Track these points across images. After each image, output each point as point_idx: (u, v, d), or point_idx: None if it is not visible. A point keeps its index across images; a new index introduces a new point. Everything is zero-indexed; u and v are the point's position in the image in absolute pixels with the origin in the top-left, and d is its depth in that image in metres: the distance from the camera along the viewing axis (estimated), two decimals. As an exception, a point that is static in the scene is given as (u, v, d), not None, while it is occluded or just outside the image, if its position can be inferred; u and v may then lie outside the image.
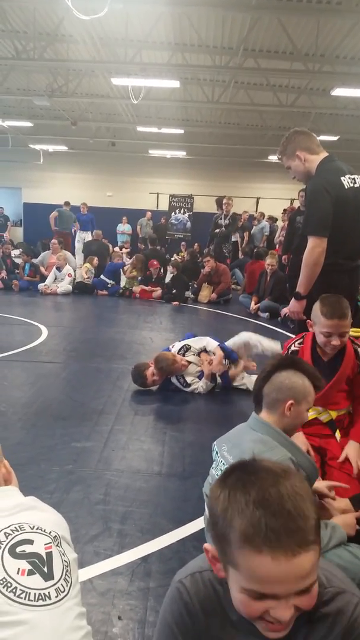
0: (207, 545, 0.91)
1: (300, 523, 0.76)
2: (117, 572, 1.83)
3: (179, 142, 15.32)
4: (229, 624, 0.95)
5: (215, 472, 1.80)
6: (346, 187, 2.64)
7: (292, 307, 2.84)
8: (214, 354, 4.04)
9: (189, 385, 4.01)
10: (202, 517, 2.10)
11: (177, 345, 4.23)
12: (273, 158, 15.71)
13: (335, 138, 12.65)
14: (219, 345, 4.13)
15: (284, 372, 1.70)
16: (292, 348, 2.36)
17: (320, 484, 1.78)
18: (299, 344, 2.36)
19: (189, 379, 4.02)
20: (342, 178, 2.66)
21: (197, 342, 4.22)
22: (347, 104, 11.23)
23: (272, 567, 0.76)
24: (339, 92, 9.26)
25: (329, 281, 2.66)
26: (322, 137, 12.48)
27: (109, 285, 9.08)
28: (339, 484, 1.83)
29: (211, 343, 4.18)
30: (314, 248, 2.62)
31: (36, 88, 11.68)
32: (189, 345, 4.18)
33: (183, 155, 16.49)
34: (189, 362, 4.05)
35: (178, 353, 4.09)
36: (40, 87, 11.53)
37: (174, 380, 4.02)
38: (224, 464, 1.72)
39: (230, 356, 4.11)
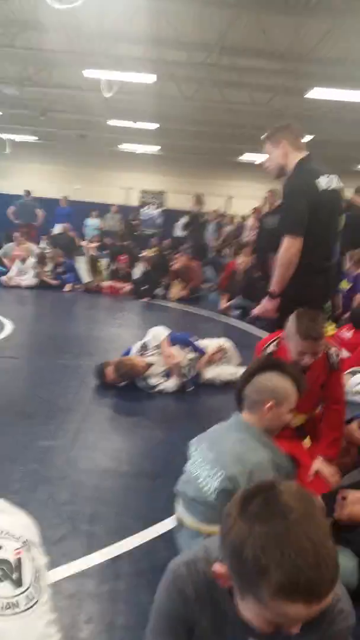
0: (218, 568, 0.89)
1: (332, 571, 0.79)
2: (86, 574, 1.78)
3: (152, 137, 15.23)
4: (221, 616, 0.96)
5: (192, 468, 1.78)
6: (321, 189, 2.65)
7: (265, 306, 2.83)
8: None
9: (153, 387, 3.87)
10: (171, 517, 2.08)
11: (136, 345, 4.13)
12: (246, 157, 15.81)
13: (309, 138, 12.79)
14: (168, 335, 4.06)
15: (266, 374, 1.69)
16: (269, 349, 2.35)
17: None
18: (275, 344, 2.35)
19: (153, 381, 3.88)
20: (318, 180, 2.66)
21: (152, 339, 4.10)
22: (321, 105, 11.37)
23: (303, 611, 0.79)
24: (314, 93, 9.34)
25: (304, 281, 2.68)
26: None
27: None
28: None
29: (158, 334, 4.08)
30: (289, 247, 2.61)
31: (5, 76, 11.38)
32: (145, 344, 4.08)
33: (156, 152, 16.40)
34: (150, 364, 3.91)
35: (139, 354, 4.01)
36: (10, 76, 11.24)
37: (138, 383, 3.88)
38: (202, 461, 1.70)
39: (195, 347, 4.07)
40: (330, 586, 0.79)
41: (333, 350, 2.32)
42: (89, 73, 9.52)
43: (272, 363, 1.74)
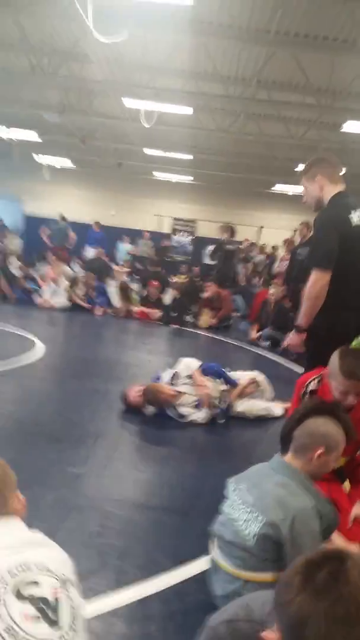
0: (269, 636, 0.84)
1: None
2: (115, 614, 1.72)
3: (186, 167, 15.46)
4: None
5: (229, 510, 1.72)
6: (354, 224, 2.62)
7: (292, 340, 2.80)
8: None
9: (184, 416, 3.80)
10: (203, 557, 2.00)
11: (167, 372, 4.10)
12: (278, 187, 15.88)
13: (342, 171, 12.81)
14: (201, 367, 4.03)
15: (319, 418, 1.63)
16: (311, 387, 2.28)
17: (331, 546, 1.69)
18: (317, 382, 2.28)
19: (183, 410, 3.81)
20: (351, 215, 2.63)
21: (184, 369, 4.07)
22: (355, 139, 11.39)
23: None
24: (349, 126, 9.37)
25: (336, 319, 2.63)
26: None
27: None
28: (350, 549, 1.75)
29: (191, 365, 4.06)
30: (317, 281, 2.58)
31: (47, 103, 11.78)
32: (177, 374, 4.03)
33: (190, 181, 16.63)
34: (180, 393, 3.86)
35: (169, 382, 3.96)
36: (52, 103, 11.63)
37: (169, 412, 3.82)
38: (242, 504, 1.63)
39: (227, 379, 4.02)
40: None
41: None
42: (129, 102, 9.77)
43: (327, 407, 1.68)
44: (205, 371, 4.04)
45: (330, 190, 2.73)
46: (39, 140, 13.65)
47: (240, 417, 3.95)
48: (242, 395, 4.02)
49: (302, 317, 2.69)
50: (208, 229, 16.60)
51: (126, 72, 9.51)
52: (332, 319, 2.62)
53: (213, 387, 3.93)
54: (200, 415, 3.82)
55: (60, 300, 8.73)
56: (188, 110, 9.67)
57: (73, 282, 9.06)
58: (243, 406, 3.98)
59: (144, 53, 8.59)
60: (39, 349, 5.54)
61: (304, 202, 2.93)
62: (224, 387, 3.98)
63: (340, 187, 2.76)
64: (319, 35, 7.25)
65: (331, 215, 2.65)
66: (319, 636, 0.74)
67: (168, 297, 9.15)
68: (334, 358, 2.14)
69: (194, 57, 8.63)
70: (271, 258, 12.43)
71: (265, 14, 6.88)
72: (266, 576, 1.55)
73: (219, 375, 4.05)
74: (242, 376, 4.14)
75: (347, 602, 0.75)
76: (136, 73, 9.37)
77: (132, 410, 3.85)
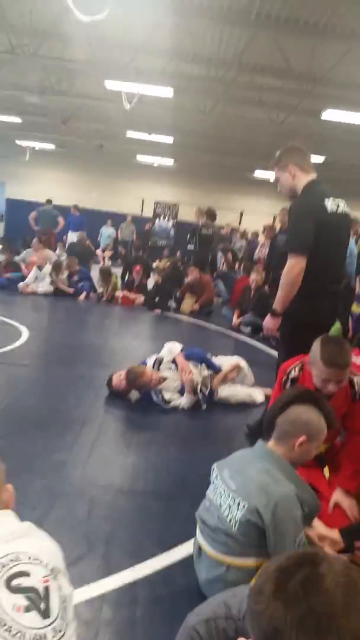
0: None
1: None
2: (102, 599, 1.76)
3: (167, 150, 15.33)
4: None
5: (213, 496, 1.76)
6: (329, 210, 2.69)
7: (267, 324, 2.88)
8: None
9: (168, 402, 3.84)
10: (189, 542, 2.05)
11: (152, 358, 4.12)
12: (259, 174, 15.86)
13: (321, 159, 12.83)
14: (182, 352, 4.05)
15: (302, 406, 1.66)
16: (292, 374, 2.32)
17: (312, 533, 1.75)
18: (299, 369, 2.32)
19: (167, 395, 3.86)
20: (326, 201, 2.69)
21: (167, 354, 4.09)
22: (334, 127, 11.40)
23: None
24: (328, 114, 9.38)
25: (311, 304, 2.71)
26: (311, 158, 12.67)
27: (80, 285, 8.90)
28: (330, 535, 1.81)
29: (173, 349, 4.08)
30: (294, 266, 2.65)
31: (28, 85, 11.53)
32: (161, 358, 4.07)
33: (170, 164, 16.50)
34: (164, 378, 3.90)
35: (153, 367, 3.99)
36: (32, 84, 11.38)
37: (153, 396, 3.87)
38: (225, 490, 1.67)
39: (209, 364, 4.05)
40: None
41: (357, 379, 2.28)
42: (110, 84, 9.62)
43: (309, 396, 1.71)
44: (188, 356, 4.06)
45: (303, 179, 2.79)
46: (20, 121, 13.39)
47: (223, 403, 3.99)
48: (224, 380, 4.05)
49: (278, 302, 2.77)
50: (189, 213, 16.55)
51: (107, 52, 9.34)
52: (307, 305, 2.70)
53: (196, 372, 3.95)
54: (183, 401, 3.86)
55: (43, 285, 8.64)
56: (168, 92, 9.56)
57: (55, 266, 8.97)
58: (225, 392, 4.01)
59: (125, 32, 8.44)
60: (23, 335, 5.50)
61: (279, 191, 2.99)
62: (206, 372, 4.00)
63: (312, 175, 2.83)
64: (300, 19, 7.20)
65: (306, 203, 2.72)
66: None
67: (151, 282, 9.13)
68: (315, 346, 2.17)
69: (175, 37, 8.50)
70: (252, 244, 12.45)
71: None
72: (249, 562, 1.60)
73: (201, 360, 4.08)
74: (225, 361, 4.17)
75: (317, 613, 0.73)
76: (117, 52, 9.21)
77: (117, 396, 3.88)
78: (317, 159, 12.64)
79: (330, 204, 2.69)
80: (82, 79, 10.91)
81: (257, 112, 11.46)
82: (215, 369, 4.07)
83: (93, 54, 9.01)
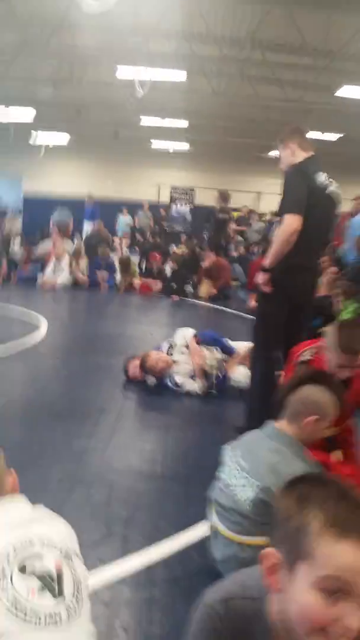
0: (268, 551, 0.87)
1: None
2: (121, 581, 1.80)
3: (182, 135, 15.18)
4: None
5: (226, 477, 1.78)
6: (318, 182, 2.79)
7: (257, 278, 2.94)
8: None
9: (179, 386, 3.85)
10: (204, 522, 2.08)
11: (166, 344, 4.14)
12: (274, 153, 15.61)
13: (336, 137, 12.57)
14: (195, 336, 4.05)
15: (313, 386, 1.67)
16: (304, 357, 2.31)
17: None
18: (311, 353, 2.31)
19: (179, 379, 3.86)
20: (317, 175, 2.81)
21: (179, 338, 4.11)
22: (351, 104, 11.12)
23: (355, 554, 0.75)
24: (344, 90, 9.16)
25: (295, 279, 2.81)
26: (325, 136, 12.41)
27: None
28: None
29: (187, 334, 4.09)
30: (289, 225, 2.69)
31: (41, 77, 11.51)
32: (174, 342, 4.08)
33: (185, 149, 16.36)
34: (173, 361, 3.91)
35: (167, 352, 4.00)
36: (45, 75, 11.36)
37: (167, 382, 3.88)
38: (238, 470, 1.69)
39: (224, 346, 4.01)
40: None
41: None
42: (122, 71, 9.55)
43: (320, 376, 1.72)
44: (202, 340, 4.06)
45: (301, 155, 2.91)
46: (34, 116, 13.39)
47: (236, 386, 3.90)
48: (240, 363, 3.99)
49: (269, 257, 2.83)
50: (206, 197, 16.42)
51: (118, 38, 9.26)
52: (292, 279, 2.78)
53: (210, 356, 3.93)
54: (195, 386, 3.83)
55: (62, 277, 8.70)
56: (182, 75, 9.45)
57: (75, 253, 9.06)
58: (240, 374, 3.91)
59: (135, 16, 8.33)
60: (43, 328, 5.58)
61: (281, 168, 3.08)
62: (220, 355, 3.96)
63: (310, 153, 2.94)
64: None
65: (300, 170, 2.84)
66: (300, 508, 0.81)
67: (168, 269, 9.13)
68: (331, 331, 2.17)
69: (186, 18, 8.37)
70: (270, 225, 12.30)
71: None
72: (263, 540, 1.61)
73: (215, 342, 4.04)
74: (241, 346, 4.15)
75: (336, 487, 0.83)
76: (128, 38, 9.12)
77: (134, 382, 3.93)
78: (331, 136, 12.40)
79: (321, 177, 2.80)
80: (94, 67, 10.85)
81: (272, 91, 11.24)
82: (231, 352, 4.03)
83: (104, 41, 8.95)
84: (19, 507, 1.26)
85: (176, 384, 3.85)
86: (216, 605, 0.96)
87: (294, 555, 0.81)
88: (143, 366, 3.84)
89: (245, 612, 0.94)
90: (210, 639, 0.95)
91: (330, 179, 2.87)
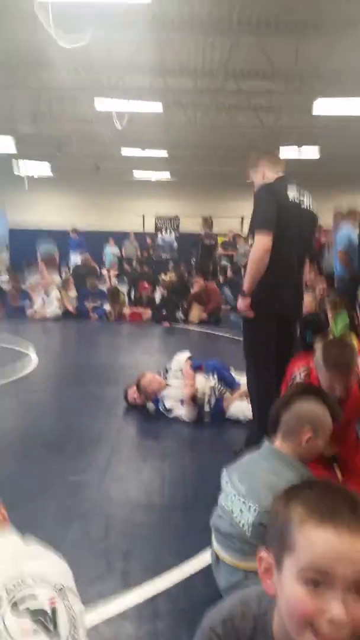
0: (262, 554, 0.87)
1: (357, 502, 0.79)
2: (123, 616, 1.74)
3: (163, 164, 15.46)
4: None
5: (224, 502, 1.73)
6: (290, 198, 2.78)
7: (239, 305, 2.90)
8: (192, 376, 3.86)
9: (169, 410, 3.77)
10: (207, 550, 2.02)
11: (163, 369, 4.13)
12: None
13: (317, 156, 12.84)
14: (189, 359, 4.00)
15: (305, 401, 1.64)
16: (297, 379, 2.29)
17: None
18: (304, 375, 2.29)
19: (168, 403, 3.79)
20: (289, 189, 2.80)
21: (174, 363, 4.07)
22: (328, 122, 11.41)
23: (334, 540, 0.74)
24: (319, 107, 9.36)
25: (275, 296, 2.77)
26: (305, 156, 12.67)
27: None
28: None
29: (181, 358, 4.04)
30: (259, 244, 2.69)
31: (20, 115, 11.73)
32: (169, 367, 4.06)
33: (167, 178, 16.61)
34: (167, 385, 3.87)
35: (162, 376, 3.98)
36: (25, 114, 11.58)
37: (159, 406, 3.82)
38: (235, 495, 1.65)
39: (224, 376, 3.88)
40: (357, 516, 0.77)
41: None
42: (100, 105, 9.76)
43: (312, 390, 1.70)
44: (201, 366, 3.97)
45: (272, 177, 2.91)
46: (16, 146, 13.58)
47: (232, 420, 3.77)
48: (240, 398, 3.80)
49: (246, 281, 2.80)
50: (191, 224, 16.62)
51: (94, 75, 9.49)
52: (271, 295, 2.75)
53: (203, 382, 3.83)
54: (182, 411, 3.74)
55: (51, 309, 8.70)
56: (158, 107, 9.67)
57: (64, 284, 9.12)
58: (236, 408, 3.76)
59: (109, 54, 8.57)
60: (34, 360, 5.54)
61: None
62: (214, 383, 3.83)
63: (280, 174, 2.94)
64: (279, 20, 7.27)
65: (268, 188, 2.82)
66: (285, 504, 0.83)
67: (158, 296, 9.15)
68: (318, 350, 2.16)
69: (159, 53, 8.62)
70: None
71: (223, 4, 6.90)
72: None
73: (215, 370, 3.91)
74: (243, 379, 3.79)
75: (321, 486, 0.86)
76: (104, 74, 9.35)
77: (129, 412, 3.89)
78: (313, 154, 12.65)
79: (293, 193, 2.79)
80: (73, 103, 11.10)
81: (248, 117, 11.54)
82: (230, 384, 3.88)
83: (81, 78, 9.17)
84: (9, 540, 1.22)
85: (166, 408, 3.80)
86: (216, 628, 0.95)
87: (280, 551, 0.81)
88: (138, 385, 3.84)
89: (245, 630, 0.92)
90: None
91: (303, 193, 2.87)
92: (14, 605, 1.05)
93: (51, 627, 1.04)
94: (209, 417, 3.76)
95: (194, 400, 3.73)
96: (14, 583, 1.08)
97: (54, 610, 1.07)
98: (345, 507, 0.77)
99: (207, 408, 3.76)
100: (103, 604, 1.78)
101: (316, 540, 0.75)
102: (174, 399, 3.81)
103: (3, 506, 1.29)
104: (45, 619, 1.06)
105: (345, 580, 0.73)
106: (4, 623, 1.01)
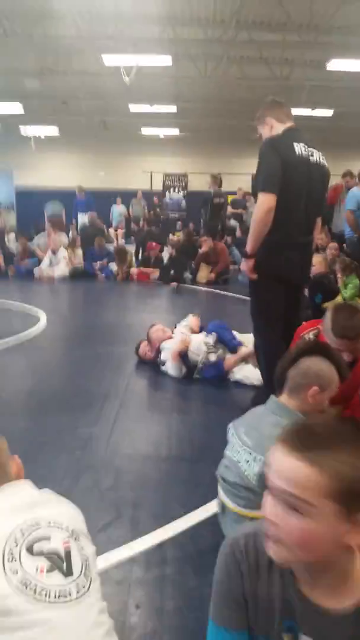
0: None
1: (318, 438, 0.85)
2: (133, 561, 1.81)
3: (172, 120, 15.06)
4: (276, 581, 0.97)
5: (231, 453, 1.78)
6: (297, 152, 2.64)
7: (243, 267, 2.88)
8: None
9: (163, 363, 3.82)
10: (214, 501, 2.08)
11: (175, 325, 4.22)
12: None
13: (330, 112, 12.45)
14: (198, 316, 4.17)
15: (312, 357, 1.65)
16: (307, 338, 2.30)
17: None
18: (313, 335, 2.30)
19: (163, 355, 3.84)
20: (295, 144, 2.66)
21: (187, 319, 4.21)
22: (342, 77, 11.01)
23: (278, 457, 0.86)
24: (334, 64, 9.06)
25: (279, 256, 2.70)
26: (317, 112, 12.30)
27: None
28: None
29: (192, 318, 4.16)
30: (262, 204, 2.60)
31: (26, 69, 11.40)
32: (180, 322, 4.19)
33: (176, 134, 16.22)
34: (170, 336, 3.93)
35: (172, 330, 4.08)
36: (30, 67, 11.25)
37: (160, 357, 3.88)
38: (241, 445, 1.69)
39: (225, 339, 3.83)
40: (306, 444, 0.85)
41: None
42: (108, 60, 9.45)
43: (319, 347, 1.70)
44: (211, 329, 3.94)
45: (279, 128, 2.79)
46: (22, 110, 13.29)
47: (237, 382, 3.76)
48: (246, 360, 3.77)
49: (249, 242, 2.74)
50: (200, 182, 16.33)
51: (101, 25, 9.15)
52: (275, 257, 2.69)
53: (200, 340, 3.80)
54: (167, 365, 3.79)
55: (59, 269, 8.71)
56: (167, 60, 9.35)
57: (71, 244, 9.10)
58: (240, 373, 3.74)
59: (116, 3, 8.23)
60: (43, 320, 5.58)
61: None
62: (210, 341, 3.81)
63: (289, 125, 2.81)
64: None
65: (274, 143, 2.70)
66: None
67: (166, 256, 9.11)
68: (327, 315, 2.15)
69: (168, 1, 8.27)
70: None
71: None
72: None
73: (216, 330, 3.89)
74: (248, 340, 3.72)
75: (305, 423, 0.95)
76: (111, 24, 9.01)
77: (138, 370, 3.96)
78: (325, 112, 12.28)
79: (300, 148, 2.66)
80: (79, 56, 10.74)
81: (260, 70, 11.14)
82: (230, 346, 3.84)
83: (87, 29, 8.84)
84: (24, 491, 1.26)
85: (161, 360, 3.86)
86: (238, 540, 1.01)
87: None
88: (148, 334, 3.98)
89: (264, 548, 0.95)
90: (230, 568, 0.99)
91: (312, 149, 2.73)
92: (29, 545, 1.09)
93: (64, 566, 1.09)
94: (201, 374, 3.74)
95: (182, 356, 3.75)
96: (29, 526, 1.13)
97: (67, 551, 1.12)
98: (303, 433, 0.87)
99: (199, 365, 3.74)
100: (113, 550, 1.86)
101: (274, 459, 0.87)
102: (169, 351, 3.83)
103: (18, 459, 1.33)
104: (58, 558, 1.11)
105: (276, 490, 0.85)
106: (20, 561, 1.06)
